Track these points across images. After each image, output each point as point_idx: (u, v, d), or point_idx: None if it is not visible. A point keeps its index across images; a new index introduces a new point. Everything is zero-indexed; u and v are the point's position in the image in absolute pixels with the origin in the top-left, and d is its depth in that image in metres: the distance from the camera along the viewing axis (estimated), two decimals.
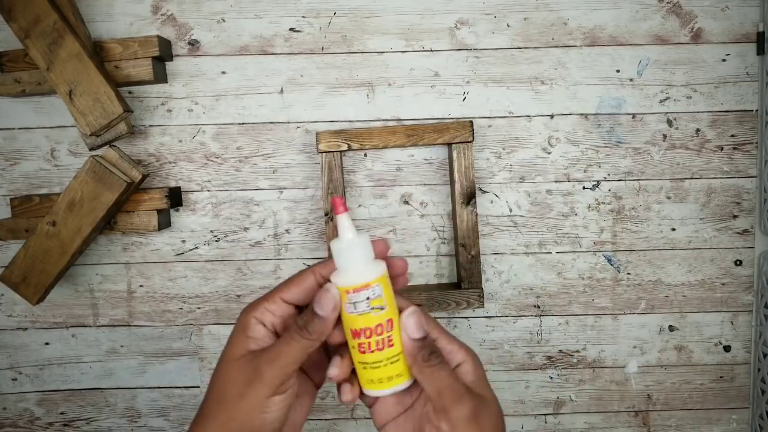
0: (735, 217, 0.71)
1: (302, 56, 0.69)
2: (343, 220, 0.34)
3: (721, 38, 0.69)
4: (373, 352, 0.33)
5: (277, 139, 0.70)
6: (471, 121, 0.66)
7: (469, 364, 0.35)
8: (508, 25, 0.69)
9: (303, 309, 0.35)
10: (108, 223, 0.67)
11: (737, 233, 0.71)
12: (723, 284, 0.72)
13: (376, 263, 0.34)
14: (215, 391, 0.35)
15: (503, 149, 0.70)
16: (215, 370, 0.36)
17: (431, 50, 0.69)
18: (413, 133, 0.67)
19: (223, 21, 0.69)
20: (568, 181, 0.71)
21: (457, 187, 0.67)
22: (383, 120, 0.70)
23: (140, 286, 0.72)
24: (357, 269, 0.33)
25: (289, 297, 0.34)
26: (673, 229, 0.71)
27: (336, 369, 0.35)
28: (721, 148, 0.70)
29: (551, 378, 0.73)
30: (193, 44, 0.69)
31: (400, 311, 0.34)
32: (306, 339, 0.32)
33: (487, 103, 0.70)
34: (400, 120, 0.70)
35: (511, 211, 0.71)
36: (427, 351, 0.34)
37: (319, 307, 0.33)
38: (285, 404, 0.33)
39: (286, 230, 0.71)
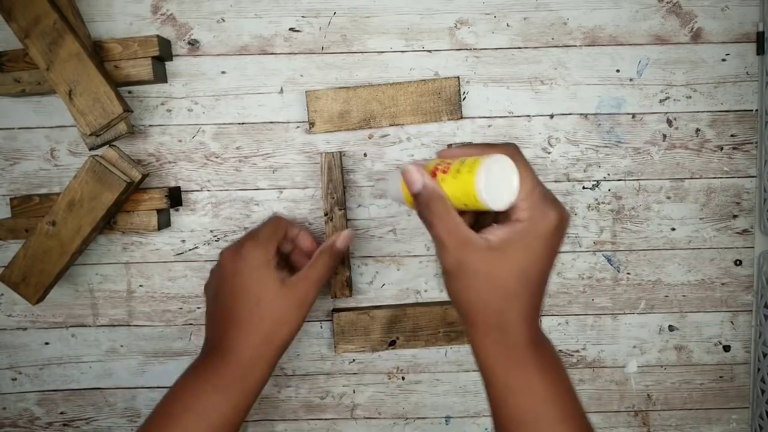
0: (735, 217, 0.71)
1: (302, 56, 0.69)
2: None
3: (720, 38, 0.69)
4: None
5: (277, 139, 0.70)
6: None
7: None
8: (507, 25, 0.69)
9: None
10: (108, 223, 0.67)
11: (737, 233, 0.71)
12: (723, 284, 0.72)
13: None
14: (246, 298, 0.54)
15: None
16: (232, 283, 0.56)
17: (431, 50, 0.69)
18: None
19: (223, 21, 0.69)
20: (568, 181, 0.71)
21: None
22: None
23: (140, 286, 0.72)
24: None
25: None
26: (673, 229, 0.71)
27: None
28: (721, 148, 0.70)
29: None
30: (193, 44, 0.69)
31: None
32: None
33: (487, 103, 0.70)
34: None
35: None
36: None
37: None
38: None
39: None
